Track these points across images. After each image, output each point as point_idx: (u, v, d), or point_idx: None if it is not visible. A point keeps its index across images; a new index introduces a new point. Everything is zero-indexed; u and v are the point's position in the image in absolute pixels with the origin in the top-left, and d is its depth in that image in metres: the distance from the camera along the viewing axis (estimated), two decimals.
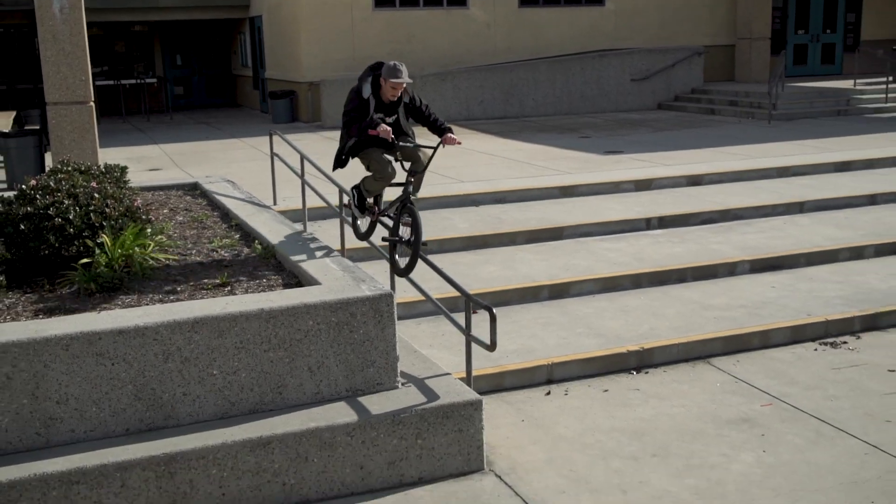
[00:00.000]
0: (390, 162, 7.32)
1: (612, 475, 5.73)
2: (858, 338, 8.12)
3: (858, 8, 24.87)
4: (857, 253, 10.19)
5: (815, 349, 7.87)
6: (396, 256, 7.47)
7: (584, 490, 5.54)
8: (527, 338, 7.73)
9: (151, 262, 6.43)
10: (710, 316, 8.24)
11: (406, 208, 7.24)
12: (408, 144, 7.28)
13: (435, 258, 8.61)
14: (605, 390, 7.02)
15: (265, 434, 5.27)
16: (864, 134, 16.74)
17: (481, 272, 9.15)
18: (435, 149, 7.20)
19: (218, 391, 5.44)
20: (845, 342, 8.01)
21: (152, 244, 6.65)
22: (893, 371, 7.36)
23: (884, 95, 20.45)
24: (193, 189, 9.69)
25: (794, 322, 8.10)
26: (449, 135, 7.20)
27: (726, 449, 6.07)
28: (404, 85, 7.08)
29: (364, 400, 5.69)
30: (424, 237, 7.01)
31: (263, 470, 5.28)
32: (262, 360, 5.50)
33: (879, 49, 23.92)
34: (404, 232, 7.33)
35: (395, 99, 7.19)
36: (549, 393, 6.99)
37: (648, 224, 11.00)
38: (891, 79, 21.25)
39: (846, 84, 21.85)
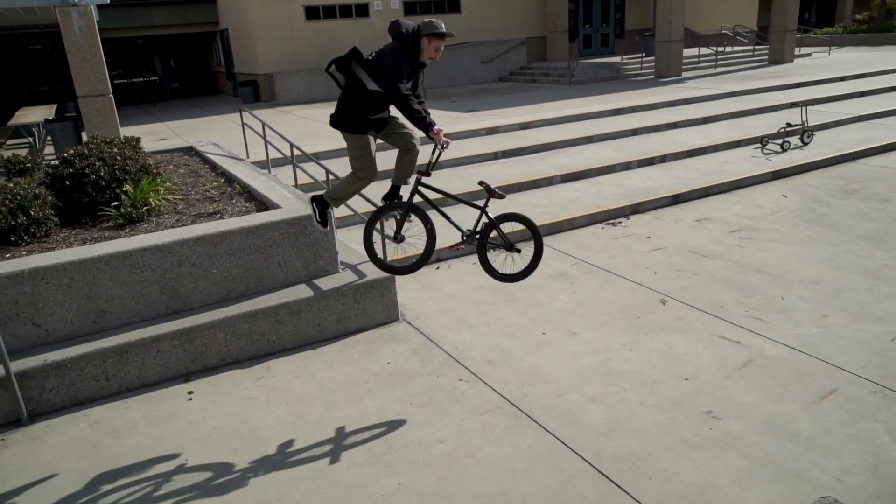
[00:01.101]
0: (375, 159, 4.44)
1: (480, 316, 5.83)
2: (628, 219, 8.36)
3: (623, 8, 24.88)
4: (626, 166, 10.39)
5: (602, 228, 8.07)
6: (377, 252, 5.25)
7: (464, 326, 5.63)
8: (422, 237, 7.67)
9: (163, 202, 6.10)
10: (538, 211, 8.33)
11: (419, 212, 4.50)
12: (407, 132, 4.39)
13: None
14: (474, 263, 7.07)
15: (253, 309, 5.15)
16: (628, 91, 16.94)
17: None
18: (438, 147, 4.13)
19: (218, 284, 5.27)
20: (620, 222, 8.24)
21: (163, 189, 6.29)
22: (650, 238, 7.62)
23: (639, 65, 20.70)
24: (189, 151, 9.16)
25: (590, 211, 8.25)
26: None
27: (550, 293, 6.23)
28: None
29: (317, 281, 5.60)
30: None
31: (254, 332, 5.18)
32: (246, 261, 5.33)
33: (636, 36, 24.18)
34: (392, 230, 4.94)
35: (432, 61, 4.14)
36: (438, 268, 7.01)
37: (496, 156, 10.96)
38: (643, 55, 21.55)
39: (616, 59, 21.92)
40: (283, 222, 5.42)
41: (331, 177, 6.83)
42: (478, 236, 4.41)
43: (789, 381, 4.61)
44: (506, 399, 4.52)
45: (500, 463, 3.87)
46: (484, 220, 4.44)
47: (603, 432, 4.13)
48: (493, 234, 4.39)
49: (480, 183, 4.40)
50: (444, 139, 4.05)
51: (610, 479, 3.70)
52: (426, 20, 4.07)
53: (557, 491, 3.62)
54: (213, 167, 7.91)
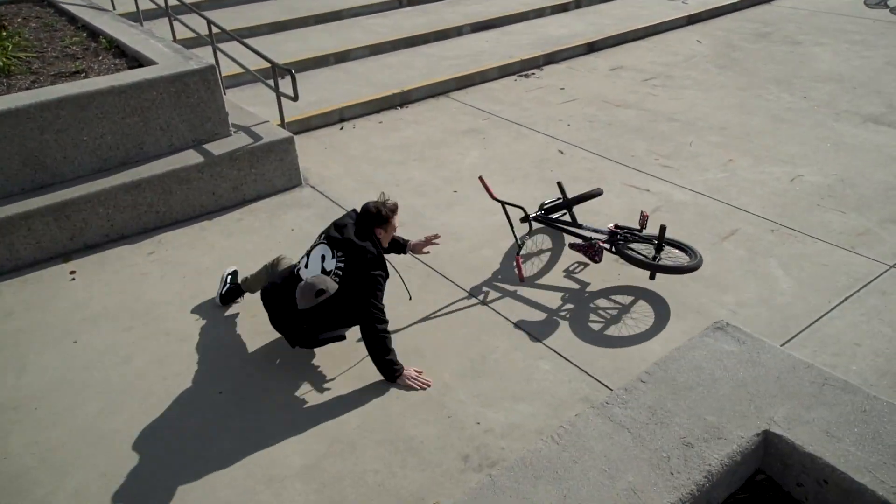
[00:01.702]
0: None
1: (388, 176, 5.71)
2: (542, 69, 8.22)
3: None
4: (539, 13, 10.09)
5: (515, 80, 7.92)
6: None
7: (371, 187, 5.51)
8: (323, 91, 7.30)
9: (13, 60, 5.41)
10: (447, 64, 8.04)
11: None
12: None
13: (249, 41, 7.81)
14: (380, 122, 6.84)
15: (135, 178, 4.81)
16: None
17: (285, 48, 8.41)
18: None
19: (92, 152, 4.85)
20: (534, 73, 8.10)
21: (10, 45, 5.56)
22: (563, 89, 7.55)
23: None
24: (41, 1, 8.08)
25: (501, 63, 8.03)
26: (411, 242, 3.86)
27: (461, 150, 6.14)
28: None
29: (207, 146, 5.25)
30: (237, 26, 6.04)
31: (139, 204, 4.87)
32: (122, 126, 4.90)
33: None
34: None
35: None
36: (342, 128, 6.74)
37: (400, 3, 10.33)
38: None
39: None
40: (161, 80, 4.95)
41: (214, 30, 6.22)
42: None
43: (694, 224, 4.83)
44: (417, 258, 4.53)
45: (413, 320, 3.93)
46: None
47: (515, 285, 4.23)
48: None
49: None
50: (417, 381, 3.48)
51: (521, 329, 3.84)
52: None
53: (470, 343, 3.73)
54: (72, 19, 7.05)
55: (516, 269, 4.30)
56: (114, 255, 4.68)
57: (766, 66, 8.08)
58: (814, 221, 4.82)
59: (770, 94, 7.22)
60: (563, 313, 3.96)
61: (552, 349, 3.68)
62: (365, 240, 3.38)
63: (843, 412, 2.29)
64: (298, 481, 2.94)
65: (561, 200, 4.64)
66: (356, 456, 3.06)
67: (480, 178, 4.35)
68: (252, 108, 6.72)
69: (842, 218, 4.85)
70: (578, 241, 4.50)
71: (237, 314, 4.04)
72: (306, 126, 6.67)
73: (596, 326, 3.84)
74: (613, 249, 4.18)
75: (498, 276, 4.33)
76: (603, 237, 4.33)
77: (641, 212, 4.18)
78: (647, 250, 4.17)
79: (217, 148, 5.20)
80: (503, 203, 4.36)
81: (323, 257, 3.41)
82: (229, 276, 4.15)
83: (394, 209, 3.50)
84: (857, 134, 6.20)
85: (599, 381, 3.44)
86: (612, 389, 3.34)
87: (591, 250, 4.18)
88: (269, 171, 5.36)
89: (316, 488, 2.92)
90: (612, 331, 3.80)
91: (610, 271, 4.33)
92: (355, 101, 7.01)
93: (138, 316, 4.05)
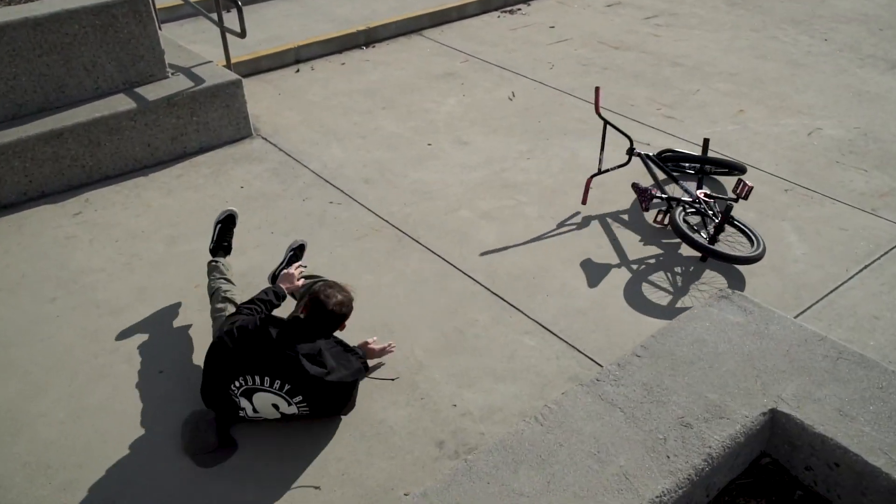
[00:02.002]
0: None
1: (352, 126, 5.65)
2: (529, 4, 8.15)
3: None
4: None
5: (498, 16, 7.85)
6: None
7: (333, 139, 5.46)
8: (275, 28, 7.17)
9: None
10: None
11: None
12: None
13: None
14: (343, 63, 6.75)
15: (56, 127, 4.70)
16: None
17: None
18: None
19: (3, 96, 4.72)
20: (519, 9, 8.03)
21: None
22: (553, 27, 7.50)
23: None
24: None
25: None
26: None
27: (436, 97, 6.10)
28: None
29: (140, 90, 5.15)
30: None
31: (62, 157, 4.77)
32: (38, 65, 4.77)
33: None
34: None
35: None
36: (298, 70, 6.64)
37: None
38: None
39: None
40: (83, 11, 4.81)
41: None
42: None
43: None
44: (386, 221, 4.52)
45: (380, 291, 3.94)
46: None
47: (497, 250, 4.26)
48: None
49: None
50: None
51: (504, 299, 3.87)
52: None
53: (446, 317, 3.75)
54: None
55: (584, 191, 4.52)
56: (34, 216, 4.60)
57: (781, 3, 8.10)
58: (832, 180, 4.89)
59: (786, 35, 7.25)
60: (552, 283, 3.99)
61: (538, 323, 3.72)
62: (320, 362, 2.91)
63: (858, 389, 2.36)
64: (249, 471, 2.96)
65: (695, 154, 4.73)
66: (316, 441, 3.08)
67: (597, 89, 4.34)
68: (193, 46, 6.59)
69: (863, 177, 4.93)
70: (644, 185, 4.48)
71: (179, 283, 4.01)
72: (256, 68, 6.57)
73: (588, 298, 3.88)
74: (667, 219, 4.26)
75: (478, 240, 4.34)
76: (688, 199, 4.32)
77: (743, 181, 4.12)
78: (703, 225, 4.26)
79: (152, 92, 5.10)
80: (606, 122, 4.46)
81: (276, 406, 2.99)
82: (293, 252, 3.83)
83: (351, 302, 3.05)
84: (883, 82, 6.27)
85: (591, 359, 3.50)
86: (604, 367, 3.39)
87: (645, 195, 4.30)
88: (213, 119, 5.28)
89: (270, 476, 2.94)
90: (607, 303, 3.85)
91: (619, 238, 4.37)
92: (313, 38, 6.90)
93: (64, 285, 4.00)
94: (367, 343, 3.42)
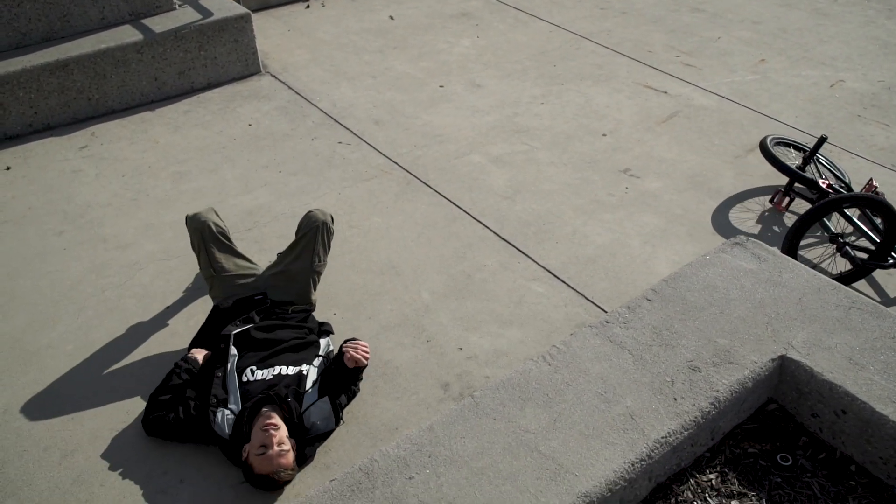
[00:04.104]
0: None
1: (363, 66, 5.59)
2: None
3: None
4: None
5: None
6: None
7: (343, 78, 5.40)
8: None
9: None
10: None
11: None
12: None
13: None
14: (354, 0, 6.64)
15: (61, 58, 4.66)
16: None
17: None
18: None
19: (7, 24, 4.68)
20: None
21: None
22: None
23: None
24: None
25: None
26: None
27: (450, 37, 6.02)
28: None
29: (147, 21, 5.09)
30: None
31: (67, 89, 4.75)
32: None
33: None
34: None
35: None
36: (308, 6, 6.54)
37: None
38: None
39: None
40: None
41: None
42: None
43: (716, 133, 4.82)
44: (395, 163, 4.50)
45: (388, 234, 3.95)
46: None
47: (507, 196, 4.25)
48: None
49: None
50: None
51: (513, 245, 3.87)
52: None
53: (454, 261, 3.77)
54: None
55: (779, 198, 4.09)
56: (39, 149, 4.60)
57: None
58: (853, 134, 4.83)
59: None
60: (562, 230, 3.99)
61: (547, 269, 3.73)
62: None
63: (869, 338, 2.37)
64: None
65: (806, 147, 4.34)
66: None
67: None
68: None
69: (885, 132, 4.87)
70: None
71: (183, 218, 4.02)
72: (266, 2, 6.47)
73: (598, 246, 3.88)
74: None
75: (488, 185, 4.32)
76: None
77: (874, 184, 3.95)
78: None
79: (158, 24, 5.04)
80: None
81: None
82: None
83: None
84: None
85: (598, 307, 3.52)
86: None
87: (782, 197, 3.99)
88: (221, 54, 5.22)
89: None
90: (617, 251, 3.85)
91: (631, 187, 4.35)
92: None
93: (70, 219, 4.02)
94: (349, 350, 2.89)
